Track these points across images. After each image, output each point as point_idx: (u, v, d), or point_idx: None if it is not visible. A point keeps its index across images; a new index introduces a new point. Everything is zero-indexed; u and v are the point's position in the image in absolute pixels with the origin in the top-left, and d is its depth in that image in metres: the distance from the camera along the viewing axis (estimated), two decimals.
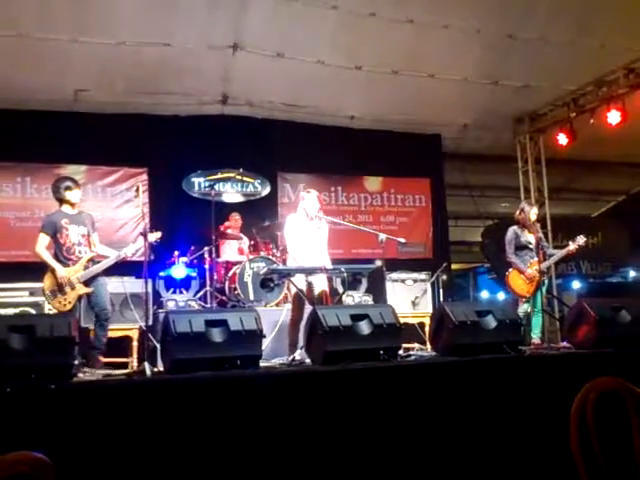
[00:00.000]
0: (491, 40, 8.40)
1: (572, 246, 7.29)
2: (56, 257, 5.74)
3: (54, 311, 5.69)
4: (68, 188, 5.88)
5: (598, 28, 8.23)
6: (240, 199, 9.66)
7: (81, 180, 7.52)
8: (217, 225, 7.90)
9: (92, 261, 5.85)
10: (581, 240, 7.28)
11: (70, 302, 5.62)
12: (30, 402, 3.50)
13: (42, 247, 5.75)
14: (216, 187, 9.13)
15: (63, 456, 2.54)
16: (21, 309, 6.71)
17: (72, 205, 5.91)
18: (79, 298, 5.69)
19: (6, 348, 3.94)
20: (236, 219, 8.68)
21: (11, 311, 6.63)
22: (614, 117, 8.77)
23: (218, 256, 8.08)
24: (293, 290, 6.08)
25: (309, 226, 6.25)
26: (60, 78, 8.19)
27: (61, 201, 5.91)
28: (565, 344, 6.09)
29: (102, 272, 5.89)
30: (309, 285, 6.08)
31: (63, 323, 4.23)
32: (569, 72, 9.02)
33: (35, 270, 5.90)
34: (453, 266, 11.51)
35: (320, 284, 6.15)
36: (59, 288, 5.62)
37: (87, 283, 5.72)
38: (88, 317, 6.13)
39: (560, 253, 7.39)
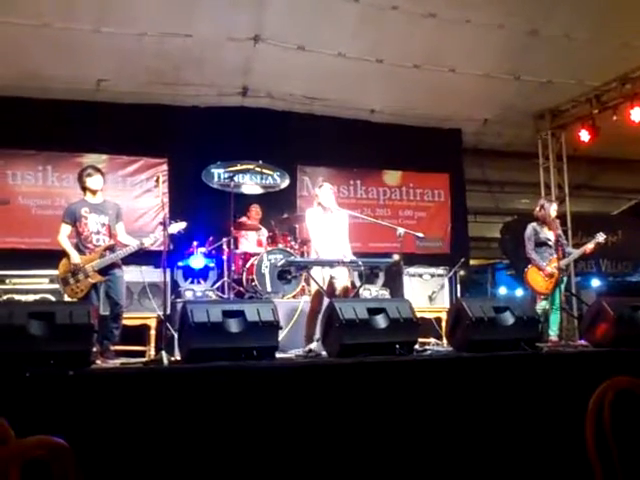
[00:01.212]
0: (513, 35, 8.30)
1: (591, 244, 7.25)
2: (76, 246, 5.80)
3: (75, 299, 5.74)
4: (88, 175, 5.94)
5: (622, 26, 8.09)
6: (259, 191, 9.65)
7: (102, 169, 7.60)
8: (236, 216, 7.92)
9: (110, 250, 5.85)
10: (601, 238, 7.24)
11: (82, 290, 5.65)
12: (49, 388, 3.54)
13: (63, 236, 5.82)
14: (235, 179, 9.07)
15: (81, 441, 2.56)
16: (41, 296, 6.76)
17: (94, 193, 5.94)
18: (93, 286, 5.69)
19: (26, 334, 3.99)
20: (257, 211, 8.71)
21: (31, 298, 6.69)
22: (637, 114, 8.67)
23: (236, 247, 8.08)
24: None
25: (327, 219, 6.23)
26: (82, 68, 8.23)
27: (84, 190, 5.96)
28: (583, 342, 6.06)
29: (120, 262, 5.91)
30: (331, 279, 6.02)
31: (82, 310, 4.28)
32: (592, 69, 8.91)
33: (55, 258, 5.94)
34: (471, 262, 11.45)
35: (343, 279, 6.08)
36: (72, 275, 5.65)
37: (103, 272, 5.72)
38: (107, 305, 6.16)
39: (579, 250, 7.35)
